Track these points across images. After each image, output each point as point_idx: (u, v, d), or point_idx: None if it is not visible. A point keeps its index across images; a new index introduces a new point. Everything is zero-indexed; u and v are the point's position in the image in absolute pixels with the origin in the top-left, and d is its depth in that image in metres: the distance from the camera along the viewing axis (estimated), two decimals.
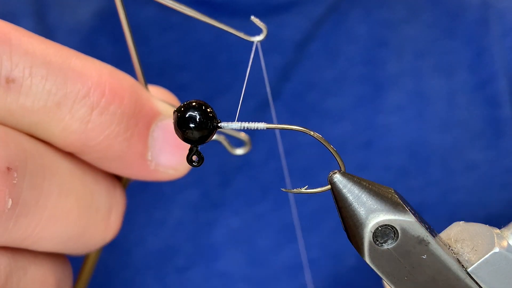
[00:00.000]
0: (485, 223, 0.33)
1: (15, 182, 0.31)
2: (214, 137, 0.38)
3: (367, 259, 0.31)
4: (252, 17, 0.36)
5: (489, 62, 0.61)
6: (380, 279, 0.32)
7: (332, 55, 0.61)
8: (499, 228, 0.32)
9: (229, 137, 0.41)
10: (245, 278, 0.58)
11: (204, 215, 0.59)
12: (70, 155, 0.35)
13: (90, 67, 0.33)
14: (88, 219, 0.35)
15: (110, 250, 0.57)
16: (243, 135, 0.41)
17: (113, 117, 0.34)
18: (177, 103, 0.39)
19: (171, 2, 0.35)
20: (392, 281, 0.32)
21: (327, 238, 0.59)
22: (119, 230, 0.38)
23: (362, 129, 0.60)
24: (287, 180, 0.43)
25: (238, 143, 0.42)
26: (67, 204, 0.34)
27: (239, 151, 0.41)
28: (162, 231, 0.59)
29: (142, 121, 0.35)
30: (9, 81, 0.31)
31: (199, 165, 0.32)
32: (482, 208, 0.60)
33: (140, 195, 0.58)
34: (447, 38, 0.62)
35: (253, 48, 0.36)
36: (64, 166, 0.34)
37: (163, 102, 0.37)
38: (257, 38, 0.36)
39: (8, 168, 0.30)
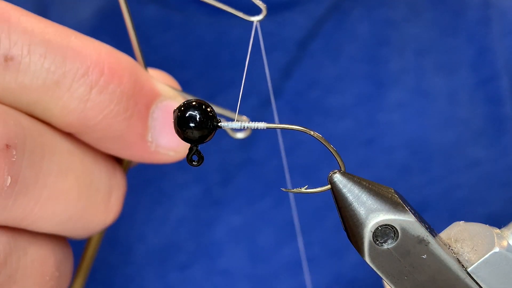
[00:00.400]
0: (486, 221, 0.33)
1: (14, 159, 0.31)
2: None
3: (367, 259, 0.31)
4: None
5: (490, 61, 0.61)
6: (380, 278, 0.32)
7: (334, 53, 0.61)
8: (499, 227, 0.32)
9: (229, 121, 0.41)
10: (246, 276, 0.58)
11: (206, 213, 0.59)
12: (70, 136, 0.35)
13: (89, 46, 0.33)
14: (87, 200, 0.35)
15: (111, 246, 0.58)
16: (244, 118, 0.41)
17: (112, 96, 0.33)
18: (176, 86, 0.39)
19: None
20: (392, 281, 0.32)
21: (328, 236, 0.59)
22: (119, 213, 0.38)
23: (364, 127, 0.60)
24: (287, 178, 0.42)
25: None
26: (67, 183, 0.34)
27: (240, 135, 0.41)
28: (164, 228, 0.59)
29: (142, 101, 0.35)
30: (7, 59, 0.31)
31: (199, 165, 0.32)
32: (483, 206, 0.60)
33: (141, 192, 0.58)
34: (449, 36, 0.62)
35: (253, 28, 0.36)
36: (63, 145, 0.34)
37: (163, 84, 0.37)
38: (256, 18, 0.36)
39: (7, 146, 0.30)
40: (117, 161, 0.38)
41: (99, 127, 0.34)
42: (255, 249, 0.58)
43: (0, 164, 0.30)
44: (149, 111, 0.36)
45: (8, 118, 0.31)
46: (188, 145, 0.32)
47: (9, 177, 0.31)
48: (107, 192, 0.37)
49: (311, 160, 0.60)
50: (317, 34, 0.60)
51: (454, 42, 0.62)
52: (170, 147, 0.36)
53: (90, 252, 0.41)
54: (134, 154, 0.36)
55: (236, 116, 0.33)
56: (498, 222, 0.34)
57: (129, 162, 0.39)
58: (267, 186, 0.59)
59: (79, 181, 0.35)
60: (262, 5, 0.35)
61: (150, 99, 0.36)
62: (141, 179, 0.58)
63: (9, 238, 0.33)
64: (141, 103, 0.35)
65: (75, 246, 0.40)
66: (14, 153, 0.31)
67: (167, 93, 0.37)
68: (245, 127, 0.31)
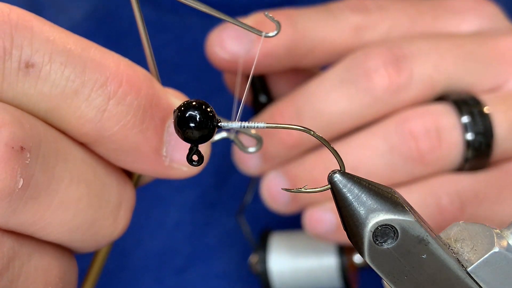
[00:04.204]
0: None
1: (27, 162, 0.31)
2: (226, 135, 0.39)
3: (367, 258, 0.31)
4: (266, 13, 0.37)
5: None
6: (379, 277, 0.32)
7: None
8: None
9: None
10: (242, 279, 0.58)
11: (201, 216, 0.59)
12: (84, 146, 0.35)
13: (109, 57, 0.34)
14: (97, 210, 0.35)
15: None
16: (255, 134, 0.41)
17: (130, 108, 0.34)
18: None
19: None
20: (392, 281, 0.32)
21: None
22: (126, 227, 0.38)
23: None
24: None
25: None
26: (78, 192, 0.34)
27: (252, 149, 0.42)
28: (160, 233, 0.58)
29: (158, 115, 0.35)
30: (28, 65, 0.32)
31: (199, 165, 0.32)
32: None
33: (137, 197, 0.58)
34: None
35: (261, 42, 0.39)
36: (77, 154, 0.34)
37: (178, 99, 0.37)
38: (270, 34, 0.37)
39: (22, 148, 0.31)
40: (128, 175, 0.38)
41: (114, 138, 0.34)
42: (250, 252, 0.58)
43: (13, 165, 0.30)
44: (165, 125, 0.36)
45: (24, 121, 0.31)
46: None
47: (22, 180, 0.31)
48: (116, 205, 0.37)
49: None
50: None
51: None
52: (184, 162, 0.36)
53: (96, 268, 0.40)
54: (148, 167, 0.37)
55: (236, 117, 0.33)
56: None
57: (139, 177, 0.39)
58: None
59: (90, 191, 0.35)
60: (276, 22, 0.37)
61: (166, 113, 0.36)
62: None
63: (14, 242, 0.33)
64: (158, 117, 0.35)
65: (81, 262, 0.40)
66: (28, 155, 0.31)
67: None
68: (245, 127, 0.31)
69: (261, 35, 0.36)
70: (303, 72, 0.54)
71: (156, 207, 0.59)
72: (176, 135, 0.33)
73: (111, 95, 0.33)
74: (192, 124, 0.31)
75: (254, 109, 0.54)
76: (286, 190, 0.33)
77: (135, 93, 0.34)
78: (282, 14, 0.50)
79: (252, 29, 0.36)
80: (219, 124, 0.31)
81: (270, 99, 0.53)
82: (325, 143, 0.31)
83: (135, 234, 0.58)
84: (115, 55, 0.34)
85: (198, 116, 0.30)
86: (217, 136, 0.40)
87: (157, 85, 0.36)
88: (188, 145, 0.32)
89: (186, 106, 0.31)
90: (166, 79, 0.59)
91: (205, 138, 0.31)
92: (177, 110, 0.31)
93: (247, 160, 0.52)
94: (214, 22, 0.56)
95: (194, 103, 0.31)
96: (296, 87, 0.51)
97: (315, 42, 0.50)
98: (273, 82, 0.54)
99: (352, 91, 0.48)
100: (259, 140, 0.41)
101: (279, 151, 0.50)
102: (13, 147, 0.30)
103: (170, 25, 0.60)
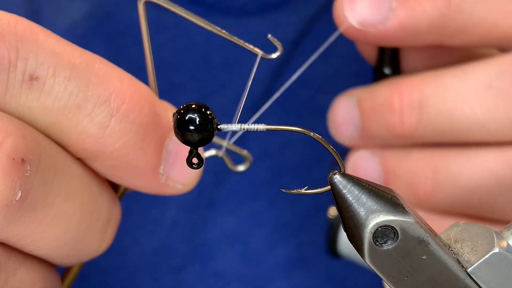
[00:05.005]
0: None
1: (27, 174, 0.31)
2: (214, 153, 0.39)
3: (367, 259, 0.31)
4: (269, 36, 0.37)
5: None
6: (375, 277, 0.32)
7: (325, 52, 0.61)
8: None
9: (230, 153, 0.42)
10: (240, 277, 0.58)
11: (199, 215, 0.59)
12: (80, 161, 0.35)
13: (113, 73, 0.34)
14: (87, 227, 0.35)
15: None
16: (244, 153, 0.41)
17: (132, 126, 0.34)
18: None
19: (188, 13, 0.36)
20: (392, 282, 0.32)
21: (320, 236, 0.59)
22: (110, 245, 0.38)
23: None
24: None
25: (239, 159, 0.43)
26: (72, 207, 0.34)
27: (241, 168, 0.42)
28: (157, 232, 0.58)
29: (159, 133, 0.35)
30: (32, 78, 0.32)
31: (199, 167, 0.32)
32: None
33: (134, 195, 0.58)
34: None
35: (257, 61, 0.37)
36: (74, 169, 0.34)
37: None
38: (273, 56, 0.37)
39: (23, 160, 0.30)
40: (114, 189, 0.39)
41: (114, 154, 0.34)
42: (248, 250, 0.58)
43: (13, 177, 0.30)
44: (164, 143, 0.36)
45: (27, 133, 0.31)
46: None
47: (20, 192, 0.31)
48: (106, 222, 0.37)
49: (301, 161, 0.60)
50: (309, 34, 0.60)
51: None
52: (179, 180, 0.36)
53: (69, 280, 0.40)
54: (143, 184, 0.37)
55: (236, 119, 0.33)
56: None
57: (125, 190, 0.39)
58: (259, 187, 0.59)
59: (83, 208, 0.35)
60: (278, 44, 0.37)
61: (166, 131, 0.36)
62: None
63: (2, 255, 0.33)
64: (158, 135, 0.35)
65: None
66: (28, 168, 0.31)
67: None
68: (245, 129, 0.31)
69: (258, 54, 0.36)
70: (449, 49, 0.45)
71: (154, 206, 0.59)
72: (174, 153, 0.33)
73: (114, 112, 0.33)
74: (191, 127, 0.30)
75: (374, 77, 0.47)
76: (286, 191, 0.33)
77: (138, 111, 0.34)
78: None
79: (248, 47, 0.36)
80: (218, 127, 0.31)
81: (396, 72, 0.46)
82: (325, 144, 0.31)
83: (132, 233, 0.58)
84: (119, 70, 0.34)
85: (197, 119, 0.30)
86: (206, 154, 0.40)
87: (159, 103, 0.36)
88: (187, 149, 0.32)
89: (186, 109, 0.31)
90: (165, 79, 0.59)
91: (205, 141, 0.31)
92: (177, 113, 0.31)
93: (343, 127, 0.46)
94: (213, 21, 0.56)
95: (193, 106, 0.31)
96: (434, 65, 0.44)
97: (471, 21, 0.41)
98: (406, 53, 0.46)
99: (499, 103, 0.40)
100: (247, 159, 0.42)
101: (383, 135, 0.44)
102: (14, 159, 0.30)
103: (169, 25, 0.60)
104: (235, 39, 0.36)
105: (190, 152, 0.32)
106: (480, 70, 0.41)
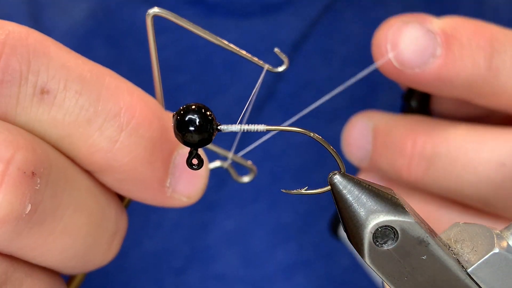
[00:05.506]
0: None
1: (37, 188, 0.31)
2: (220, 164, 0.39)
3: (367, 260, 0.31)
4: (276, 49, 0.37)
5: None
6: (373, 281, 0.32)
7: (327, 54, 0.61)
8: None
9: (235, 165, 0.42)
10: (241, 280, 0.58)
11: (199, 217, 0.59)
12: (89, 174, 0.35)
13: (123, 87, 0.34)
14: (94, 239, 0.35)
15: None
16: (249, 163, 0.42)
17: (141, 140, 0.34)
18: None
19: (197, 27, 0.36)
20: (392, 282, 0.32)
21: (321, 238, 0.59)
22: (116, 255, 0.38)
23: None
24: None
25: (244, 170, 0.43)
26: (80, 220, 0.34)
27: (245, 179, 0.42)
28: (158, 234, 0.58)
29: (167, 147, 0.36)
30: (43, 92, 0.32)
31: (199, 168, 0.32)
32: None
33: None
34: None
35: (262, 75, 0.37)
36: (83, 182, 0.34)
37: None
38: (279, 69, 0.38)
39: (33, 173, 0.31)
40: (120, 199, 0.39)
41: (123, 168, 0.34)
42: (248, 252, 0.58)
43: (24, 190, 0.30)
44: (171, 157, 0.36)
45: (37, 146, 0.31)
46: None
47: (30, 205, 0.31)
48: (112, 233, 0.37)
49: (303, 163, 0.60)
50: (310, 36, 0.60)
51: None
52: (185, 193, 0.37)
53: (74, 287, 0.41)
54: (149, 197, 0.37)
55: (238, 121, 0.33)
56: None
57: (130, 200, 0.39)
58: (260, 189, 0.59)
59: (91, 220, 0.35)
60: (285, 58, 0.38)
61: (173, 145, 0.36)
62: None
63: (8, 267, 0.33)
64: (166, 149, 0.36)
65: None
66: (39, 181, 0.31)
67: None
68: (245, 130, 0.31)
69: (264, 67, 0.37)
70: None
71: (155, 208, 0.59)
72: (180, 166, 0.34)
73: (123, 126, 0.33)
74: (191, 128, 0.31)
75: (402, 105, 0.47)
76: (286, 191, 0.33)
77: (147, 125, 0.34)
78: (481, 35, 0.41)
79: (254, 60, 0.36)
80: (218, 128, 0.31)
81: (424, 110, 0.45)
82: (325, 144, 0.31)
83: (134, 234, 0.58)
84: (128, 84, 0.34)
85: (197, 120, 0.30)
86: (211, 165, 0.41)
87: (166, 116, 0.36)
88: (193, 176, 0.32)
89: (186, 110, 0.31)
90: (166, 80, 0.59)
91: (204, 142, 0.31)
92: (177, 114, 0.31)
93: (354, 149, 0.46)
94: (214, 23, 0.56)
95: (193, 106, 0.31)
96: (462, 114, 0.44)
97: (504, 88, 0.41)
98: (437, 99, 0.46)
99: (508, 184, 0.40)
100: (252, 171, 0.42)
101: (389, 173, 0.44)
102: (25, 172, 0.30)
103: (170, 27, 0.60)
104: (243, 53, 0.36)
105: (190, 153, 0.32)
106: (498, 144, 0.41)
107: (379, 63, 0.42)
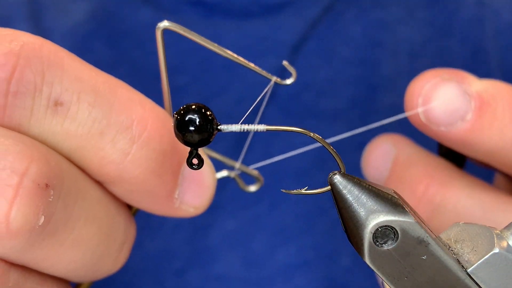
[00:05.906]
0: None
1: (50, 200, 0.31)
2: (226, 174, 0.40)
3: (367, 260, 0.31)
4: (284, 62, 0.38)
5: (484, 61, 0.61)
6: (375, 280, 0.32)
7: (327, 55, 0.61)
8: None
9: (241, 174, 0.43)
10: (241, 281, 0.58)
11: (201, 218, 0.59)
12: (99, 184, 0.35)
13: (135, 99, 0.34)
14: (104, 249, 0.35)
15: None
16: (255, 173, 0.42)
17: (152, 153, 0.34)
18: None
19: (206, 41, 0.37)
20: (392, 282, 0.32)
21: (321, 239, 0.59)
22: (124, 263, 0.38)
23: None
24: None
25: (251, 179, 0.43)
26: (91, 230, 0.34)
27: (252, 188, 0.42)
28: (159, 235, 0.58)
29: (176, 159, 0.36)
30: (57, 104, 0.32)
31: (199, 168, 0.32)
32: None
33: None
34: (442, 37, 0.62)
35: (271, 84, 0.38)
36: (94, 193, 0.35)
37: None
38: (287, 81, 0.38)
39: (47, 185, 0.31)
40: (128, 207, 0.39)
41: (134, 180, 0.34)
42: (249, 253, 0.58)
43: (38, 202, 0.30)
44: (180, 169, 0.36)
45: (50, 158, 0.32)
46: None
47: (43, 217, 0.31)
48: (121, 242, 0.37)
49: (304, 164, 0.60)
50: (310, 36, 0.60)
51: (447, 43, 0.62)
52: (192, 204, 0.37)
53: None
54: (158, 208, 0.37)
55: (239, 122, 0.34)
56: None
57: (137, 210, 0.40)
58: (261, 190, 0.59)
59: (101, 230, 0.35)
60: (293, 70, 0.38)
61: (182, 157, 0.36)
62: None
63: (20, 277, 0.33)
64: (175, 161, 0.36)
65: None
66: (52, 193, 0.31)
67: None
68: (245, 130, 0.31)
69: (272, 80, 0.37)
70: None
71: None
72: (188, 178, 0.34)
73: (135, 139, 0.33)
74: (191, 128, 0.31)
75: (439, 148, 0.46)
76: (286, 191, 0.33)
77: (158, 138, 0.34)
78: None
79: (263, 73, 0.37)
80: (218, 127, 0.31)
81: (455, 158, 0.45)
82: (325, 144, 0.31)
83: (135, 235, 0.58)
84: (140, 96, 0.34)
85: (197, 120, 0.30)
86: (218, 175, 0.41)
87: None
88: (201, 187, 0.33)
89: (186, 110, 0.31)
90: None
91: (205, 142, 0.31)
92: (177, 114, 0.31)
93: (373, 169, 0.46)
94: (214, 23, 0.56)
95: (193, 106, 0.31)
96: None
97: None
98: None
99: None
100: (259, 180, 0.42)
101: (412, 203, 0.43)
102: (39, 184, 0.30)
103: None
104: (251, 66, 0.37)
105: (190, 153, 0.32)
106: (505, 216, 0.41)
107: (407, 113, 0.41)
